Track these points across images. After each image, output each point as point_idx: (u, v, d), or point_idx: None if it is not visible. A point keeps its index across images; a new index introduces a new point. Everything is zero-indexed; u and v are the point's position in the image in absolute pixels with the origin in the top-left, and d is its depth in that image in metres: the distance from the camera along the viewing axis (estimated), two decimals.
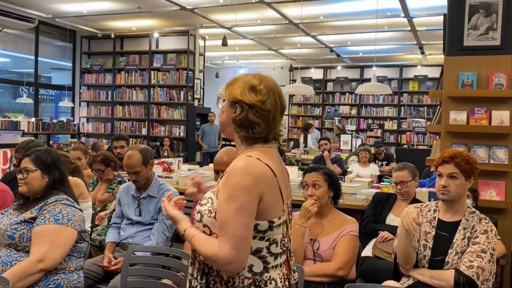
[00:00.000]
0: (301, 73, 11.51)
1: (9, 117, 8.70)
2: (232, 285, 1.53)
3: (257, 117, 1.56)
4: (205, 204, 1.56)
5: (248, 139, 1.60)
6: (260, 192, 1.50)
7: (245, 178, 1.48)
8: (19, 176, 2.41)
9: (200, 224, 1.56)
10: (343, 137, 10.28)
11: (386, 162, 7.71)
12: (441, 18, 4.31)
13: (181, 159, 6.71)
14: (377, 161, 7.76)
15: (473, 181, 2.38)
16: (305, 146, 9.54)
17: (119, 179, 4.16)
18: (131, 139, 10.15)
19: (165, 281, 2.66)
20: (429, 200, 3.44)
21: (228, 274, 1.52)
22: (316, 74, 13.91)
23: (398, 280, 2.42)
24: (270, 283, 1.56)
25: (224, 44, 8.40)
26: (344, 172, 6.58)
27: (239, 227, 1.47)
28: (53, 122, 9.80)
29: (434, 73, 12.06)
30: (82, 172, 3.72)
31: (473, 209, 2.40)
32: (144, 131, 10.19)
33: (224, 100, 1.63)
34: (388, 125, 12.95)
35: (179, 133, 9.86)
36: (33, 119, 9.21)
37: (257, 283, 1.54)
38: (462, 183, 2.32)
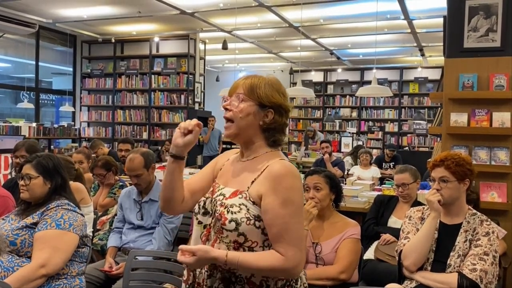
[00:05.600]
0: (302, 76, 11.51)
1: (10, 122, 8.70)
2: None
3: (287, 121, 1.63)
4: (239, 212, 1.50)
5: (276, 143, 1.62)
6: (302, 191, 1.57)
7: (294, 179, 1.52)
8: (21, 182, 2.41)
9: (233, 233, 1.49)
10: (344, 139, 10.29)
11: (393, 163, 7.72)
12: (441, 20, 4.31)
13: None
14: (384, 163, 7.80)
15: (469, 183, 2.35)
16: (306, 148, 9.54)
17: (121, 183, 4.17)
18: None
19: (167, 285, 2.66)
20: None
21: (294, 276, 1.54)
22: (316, 76, 13.91)
23: (401, 283, 2.41)
24: (298, 280, 1.59)
25: (224, 47, 8.40)
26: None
27: (300, 228, 1.51)
28: (54, 127, 9.80)
29: (435, 75, 12.07)
30: (85, 179, 3.73)
31: (474, 211, 2.39)
32: (145, 135, 10.20)
33: (242, 100, 1.57)
34: (389, 127, 12.95)
35: None
36: (34, 124, 9.21)
37: (288, 283, 1.56)
38: (454, 186, 2.31)
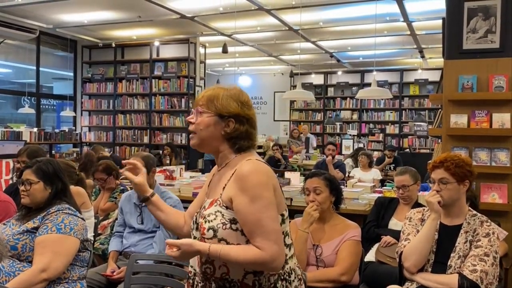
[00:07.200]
0: (302, 79, 11.51)
1: (11, 128, 8.72)
2: (259, 287, 1.56)
3: (254, 128, 1.66)
4: (215, 219, 1.56)
5: (242, 149, 1.64)
6: (273, 186, 1.57)
7: (260, 176, 1.54)
8: (22, 188, 2.41)
9: (214, 241, 1.54)
10: (345, 141, 10.29)
11: (394, 165, 7.74)
12: (440, 21, 4.32)
13: (183, 166, 6.72)
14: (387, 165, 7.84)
15: (468, 185, 2.34)
16: (307, 151, 9.54)
17: (122, 187, 4.17)
18: (133, 147, 10.20)
19: None
20: None
21: (276, 270, 1.55)
22: (316, 79, 13.92)
23: (402, 284, 2.41)
24: (292, 273, 1.62)
25: (225, 51, 8.42)
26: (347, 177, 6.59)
27: (272, 222, 1.52)
28: (55, 132, 9.82)
29: (435, 76, 12.07)
30: (86, 183, 3.74)
31: (474, 212, 2.40)
32: (146, 139, 10.21)
33: (201, 113, 1.63)
34: (390, 129, 12.94)
35: (181, 140, 9.87)
36: (35, 129, 9.22)
37: (282, 277, 1.59)
38: (454, 187, 2.31)
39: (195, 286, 1.65)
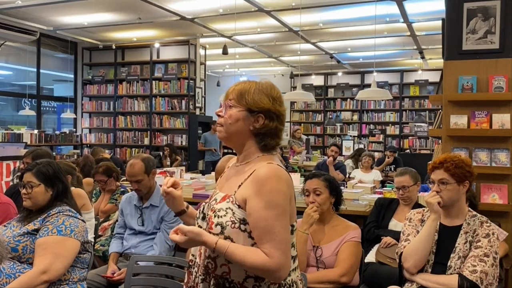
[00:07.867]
0: (302, 80, 11.53)
1: (12, 130, 8.73)
2: None
3: (283, 125, 1.63)
4: (224, 216, 1.53)
5: (268, 147, 1.61)
6: (290, 195, 1.54)
7: (280, 182, 1.51)
8: (23, 191, 2.42)
9: (220, 237, 1.52)
10: (345, 142, 10.29)
11: (394, 166, 7.74)
12: (440, 22, 4.33)
13: (183, 168, 6.72)
14: (386, 166, 7.84)
15: (468, 185, 2.34)
16: (307, 152, 9.54)
17: (122, 189, 4.18)
18: (133, 149, 10.21)
19: None
20: None
21: (278, 280, 1.52)
22: (317, 80, 13.93)
23: (402, 285, 2.41)
24: (293, 286, 1.59)
25: (225, 52, 8.43)
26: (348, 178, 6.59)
27: (284, 231, 1.50)
28: (55, 134, 9.83)
29: (435, 77, 12.07)
30: (83, 187, 3.74)
31: (474, 213, 2.39)
32: (146, 141, 10.22)
33: (231, 107, 1.60)
34: (390, 130, 12.95)
35: (181, 142, 9.88)
36: (35, 131, 9.24)
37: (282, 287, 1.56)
38: (454, 188, 2.31)
39: (194, 276, 1.62)
